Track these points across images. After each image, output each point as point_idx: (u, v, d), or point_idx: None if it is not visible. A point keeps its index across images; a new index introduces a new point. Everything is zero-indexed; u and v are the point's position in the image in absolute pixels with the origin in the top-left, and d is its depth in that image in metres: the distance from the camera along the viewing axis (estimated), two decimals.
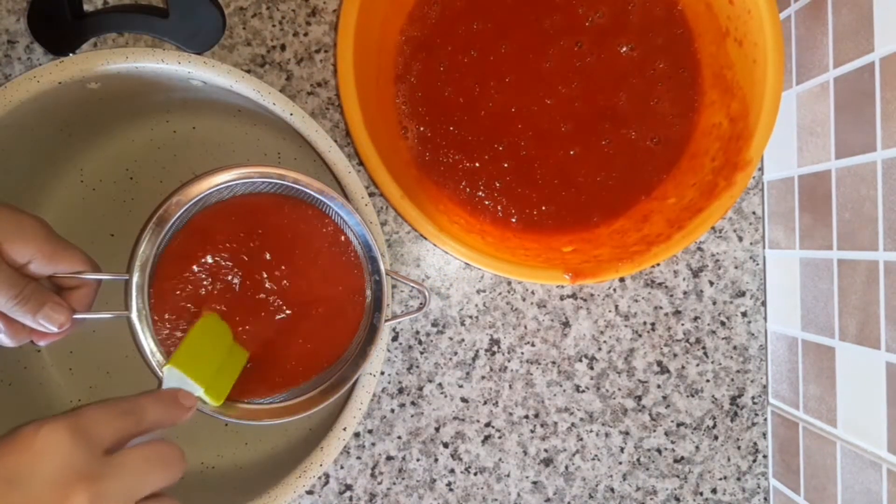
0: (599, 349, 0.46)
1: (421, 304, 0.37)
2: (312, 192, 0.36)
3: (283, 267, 0.37)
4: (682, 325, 0.46)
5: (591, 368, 0.46)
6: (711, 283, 0.46)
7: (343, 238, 0.37)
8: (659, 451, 0.47)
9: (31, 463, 0.24)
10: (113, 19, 0.42)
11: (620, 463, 0.47)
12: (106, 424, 0.27)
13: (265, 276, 0.37)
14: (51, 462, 0.24)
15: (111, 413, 0.27)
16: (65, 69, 0.35)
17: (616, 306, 0.46)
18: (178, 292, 0.37)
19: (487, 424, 0.46)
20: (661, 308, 0.46)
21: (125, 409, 0.28)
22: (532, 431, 0.46)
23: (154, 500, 0.27)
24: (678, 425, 0.47)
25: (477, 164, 0.42)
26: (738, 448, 0.47)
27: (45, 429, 0.25)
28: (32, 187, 0.42)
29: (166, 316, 0.37)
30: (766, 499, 0.47)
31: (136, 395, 0.30)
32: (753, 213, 0.46)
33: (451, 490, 0.46)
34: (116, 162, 0.43)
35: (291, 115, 0.36)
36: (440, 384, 0.46)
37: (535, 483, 0.47)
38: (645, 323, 0.46)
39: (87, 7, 0.42)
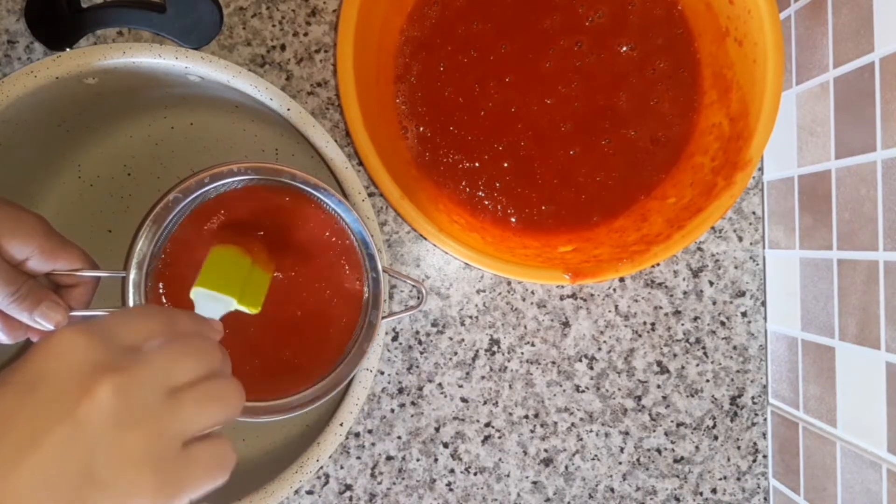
0: (599, 349, 0.46)
1: (419, 301, 0.37)
2: (310, 189, 0.36)
3: (281, 264, 0.37)
4: (682, 325, 0.46)
5: (591, 368, 0.46)
6: (711, 283, 0.46)
7: (341, 235, 0.37)
8: (659, 451, 0.47)
9: (48, 364, 0.22)
10: (110, 14, 0.41)
11: (620, 463, 0.46)
12: (128, 324, 0.25)
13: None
14: (69, 359, 0.22)
15: (135, 314, 0.25)
16: (62, 64, 0.35)
17: (616, 306, 0.46)
18: (175, 290, 0.37)
19: (487, 424, 0.46)
20: (661, 308, 0.46)
21: (152, 311, 0.26)
22: (532, 431, 0.46)
23: (205, 439, 0.24)
24: (678, 425, 0.47)
25: (477, 164, 0.42)
26: (738, 448, 0.47)
27: (59, 332, 0.23)
28: (30, 183, 0.41)
29: None
30: (765, 499, 0.47)
31: (166, 307, 0.27)
32: (753, 213, 0.46)
33: (451, 490, 0.46)
34: (114, 158, 0.43)
35: (289, 110, 0.36)
36: (440, 384, 0.46)
37: (535, 483, 0.46)
38: (645, 323, 0.46)
39: (84, 2, 0.42)
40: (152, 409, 0.23)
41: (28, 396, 0.22)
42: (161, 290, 0.37)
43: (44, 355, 0.23)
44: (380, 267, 0.36)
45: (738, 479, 0.47)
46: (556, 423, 0.46)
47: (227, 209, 0.37)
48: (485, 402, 0.46)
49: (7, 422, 0.21)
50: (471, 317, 0.46)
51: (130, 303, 0.35)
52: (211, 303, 0.31)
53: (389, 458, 0.46)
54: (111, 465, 0.22)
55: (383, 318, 0.36)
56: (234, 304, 0.32)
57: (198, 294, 0.31)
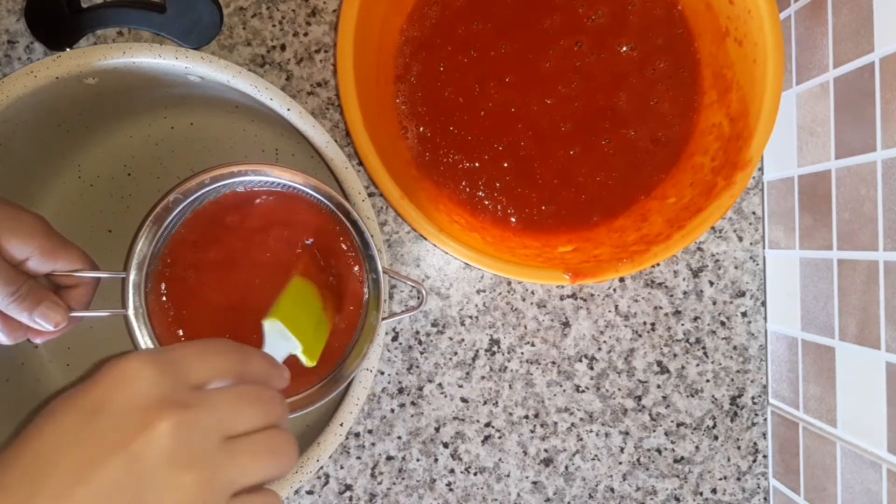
0: (599, 349, 0.46)
1: (419, 302, 0.37)
2: (309, 190, 0.36)
3: (280, 265, 0.37)
4: (682, 325, 0.46)
5: (591, 368, 0.46)
6: (711, 283, 0.46)
7: (341, 236, 0.37)
8: (659, 451, 0.47)
9: (112, 393, 0.22)
10: (110, 14, 0.41)
11: (620, 463, 0.46)
12: (199, 360, 0.24)
13: (262, 274, 0.37)
14: (132, 390, 0.22)
15: (207, 350, 0.25)
16: (62, 64, 0.35)
17: (616, 306, 0.46)
18: (175, 290, 0.37)
19: (487, 424, 0.46)
20: (661, 308, 0.46)
21: (227, 349, 0.25)
22: (532, 431, 0.46)
23: (254, 492, 0.24)
24: (678, 425, 0.47)
25: (477, 164, 0.42)
26: (738, 448, 0.47)
27: (127, 359, 0.23)
28: (30, 183, 0.41)
29: (164, 314, 0.37)
30: (765, 499, 0.47)
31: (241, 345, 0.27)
32: (753, 213, 0.46)
33: (451, 490, 0.46)
34: (114, 158, 0.43)
35: (289, 110, 0.36)
36: (440, 384, 0.46)
37: (535, 483, 0.46)
38: (645, 323, 0.46)
39: (84, 2, 0.42)
40: (208, 454, 0.23)
41: (87, 424, 0.22)
42: (161, 292, 0.37)
43: (109, 382, 0.23)
44: (380, 268, 0.36)
45: (738, 479, 0.47)
46: (556, 423, 0.46)
47: (226, 210, 0.37)
48: (485, 402, 0.46)
49: (65, 448, 0.21)
50: (471, 317, 0.46)
51: (130, 304, 0.35)
52: (280, 340, 0.30)
53: (389, 458, 0.46)
54: (159, 502, 0.22)
55: (383, 319, 0.36)
56: (298, 350, 0.31)
57: (272, 327, 0.30)
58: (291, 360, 0.38)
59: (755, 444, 0.47)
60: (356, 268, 0.37)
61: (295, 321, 0.31)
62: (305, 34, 0.44)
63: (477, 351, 0.46)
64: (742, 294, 0.46)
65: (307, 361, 0.32)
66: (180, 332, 0.37)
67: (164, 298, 0.37)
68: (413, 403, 0.46)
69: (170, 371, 0.23)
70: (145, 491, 0.21)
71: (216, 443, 0.23)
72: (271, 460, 0.24)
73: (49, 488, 0.21)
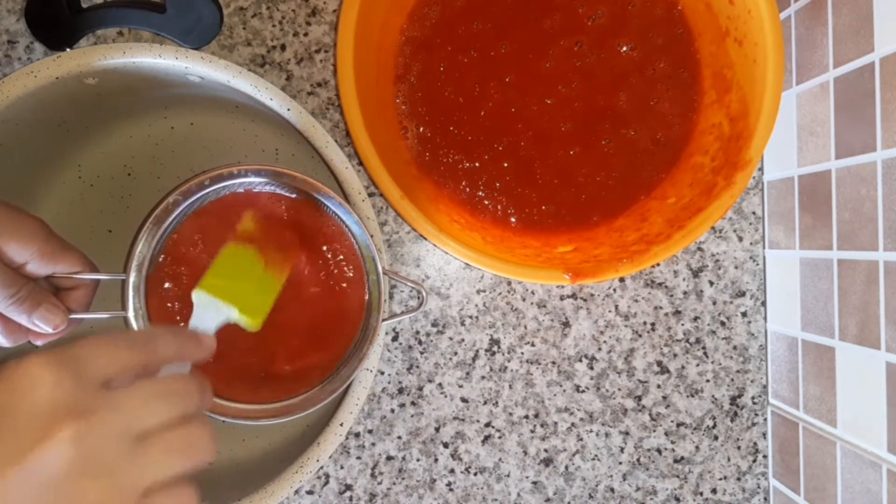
0: (599, 349, 0.46)
1: (420, 303, 0.37)
2: (309, 191, 0.36)
3: (280, 266, 0.37)
4: (682, 325, 0.46)
5: (591, 368, 0.46)
6: (711, 283, 0.46)
7: (341, 237, 0.37)
8: (659, 451, 0.47)
9: (11, 398, 0.21)
10: (110, 14, 0.41)
11: (620, 463, 0.47)
12: (103, 356, 0.23)
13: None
14: (31, 397, 0.21)
15: (111, 343, 0.24)
16: (62, 64, 0.35)
17: (616, 306, 0.46)
18: (175, 292, 0.37)
19: (487, 424, 0.46)
20: (661, 308, 0.46)
21: (130, 339, 0.24)
22: (532, 431, 0.46)
23: (168, 488, 0.23)
24: (678, 425, 0.47)
25: (477, 164, 0.42)
26: (738, 448, 0.47)
27: (26, 362, 0.22)
28: (30, 183, 0.41)
29: (164, 315, 0.37)
30: (766, 499, 0.47)
31: (147, 328, 0.26)
32: (753, 213, 0.46)
33: (451, 490, 0.46)
34: (114, 158, 0.43)
35: (289, 110, 0.36)
36: (440, 384, 0.46)
37: (535, 483, 0.46)
38: (645, 323, 0.46)
39: (84, 2, 0.42)
40: (113, 460, 0.22)
41: None
42: (161, 293, 0.37)
43: (8, 389, 0.22)
44: (380, 269, 0.36)
45: (738, 479, 0.47)
46: (556, 423, 0.46)
47: (226, 211, 0.37)
48: (485, 402, 0.46)
49: None
50: (471, 317, 0.46)
51: (130, 305, 0.35)
52: (210, 311, 0.30)
53: (389, 458, 0.46)
54: None
55: (384, 320, 0.36)
56: (234, 316, 0.30)
57: (199, 297, 0.30)
58: (290, 356, 0.37)
59: (755, 444, 0.47)
60: (356, 268, 0.37)
61: (224, 288, 0.30)
62: (305, 34, 0.44)
63: (477, 351, 0.46)
64: (742, 294, 0.46)
65: (249, 323, 0.31)
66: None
67: (164, 300, 0.37)
68: (413, 403, 0.46)
69: (72, 371, 0.22)
70: (48, 501, 0.21)
71: (123, 446, 0.22)
72: (184, 456, 0.23)
73: None
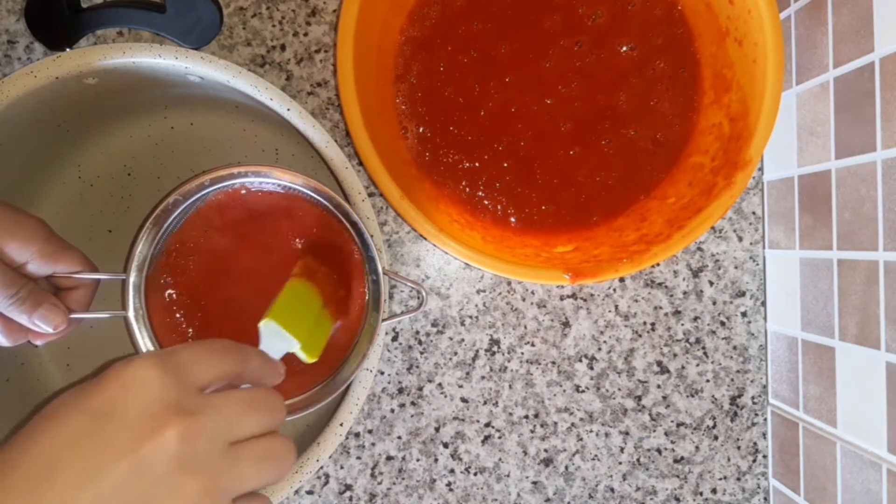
0: (599, 349, 0.46)
1: (420, 303, 0.37)
2: (309, 192, 0.36)
3: (280, 267, 0.37)
4: (682, 325, 0.46)
5: (591, 368, 0.46)
6: (711, 283, 0.46)
7: (341, 237, 0.37)
8: (659, 451, 0.47)
9: (121, 397, 0.23)
10: (110, 14, 0.41)
11: (620, 463, 0.47)
12: (202, 363, 0.25)
13: (263, 276, 0.37)
14: (141, 396, 0.23)
15: (209, 352, 0.25)
16: (62, 64, 0.35)
17: (616, 306, 0.46)
18: (175, 292, 0.37)
19: (487, 424, 0.46)
20: (660, 308, 0.46)
21: (227, 350, 0.26)
22: (532, 431, 0.46)
23: (250, 498, 0.24)
24: (678, 425, 0.47)
25: (477, 164, 0.42)
26: (738, 448, 0.47)
27: (135, 364, 0.23)
28: (30, 183, 0.41)
29: (164, 315, 0.37)
30: (765, 499, 0.47)
31: (237, 344, 0.27)
32: (753, 213, 0.46)
33: (451, 490, 0.46)
34: (114, 158, 0.43)
35: (289, 110, 0.36)
36: (440, 384, 0.46)
37: (535, 483, 0.46)
38: (645, 323, 0.46)
39: (84, 2, 0.42)
40: (212, 461, 0.23)
41: (96, 427, 0.22)
42: (162, 293, 0.37)
43: (118, 386, 0.23)
44: (380, 269, 0.36)
45: (738, 479, 0.47)
46: (556, 423, 0.46)
47: (226, 211, 0.37)
48: (485, 402, 0.46)
49: (73, 450, 0.22)
50: (471, 317, 0.46)
51: (130, 305, 0.35)
52: (276, 339, 0.31)
53: (389, 458, 0.46)
54: None
55: (383, 320, 0.36)
56: (296, 348, 0.31)
57: (268, 328, 0.31)
58: (289, 358, 0.38)
59: (755, 444, 0.47)
60: (356, 268, 0.37)
61: (291, 321, 0.31)
62: (305, 34, 0.44)
63: (477, 351, 0.46)
64: (742, 294, 0.46)
65: (307, 358, 0.32)
66: (180, 334, 0.37)
67: (165, 300, 0.37)
68: (413, 403, 0.46)
69: (176, 375, 0.24)
70: (151, 496, 0.22)
71: (220, 449, 0.23)
72: (271, 466, 0.25)
73: (56, 490, 0.21)
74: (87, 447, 0.22)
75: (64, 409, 0.23)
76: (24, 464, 0.21)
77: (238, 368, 0.26)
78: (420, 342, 0.46)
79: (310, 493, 0.46)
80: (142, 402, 0.23)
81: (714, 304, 0.46)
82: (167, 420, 0.22)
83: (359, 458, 0.46)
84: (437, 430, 0.46)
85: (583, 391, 0.46)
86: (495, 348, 0.46)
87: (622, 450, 0.47)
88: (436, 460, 0.46)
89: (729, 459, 0.47)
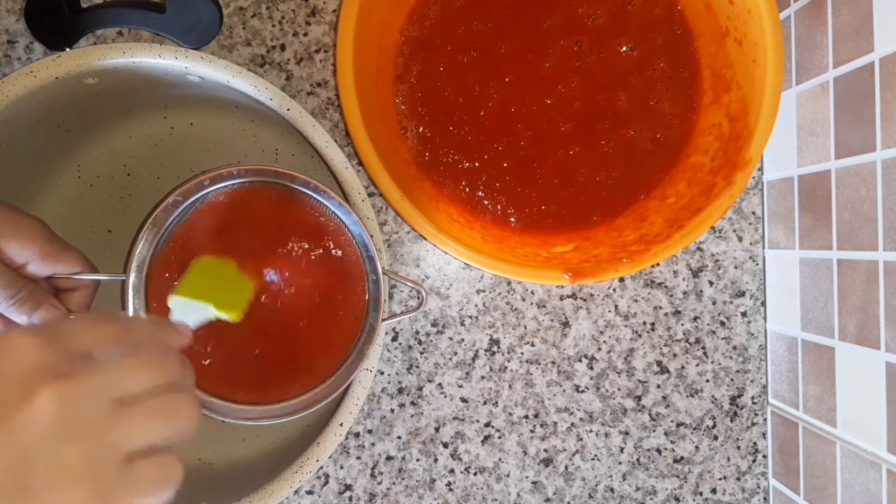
0: (599, 349, 0.46)
1: (420, 303, 0.37)
2: (309, 192, 0.36)
3: (280, 267, 0.37)
4: (682, 325, 0.46)
5: (591, 368, 0.46)
6: (711, 283, 0.46)
7: (341, 237, 0.37)
8: (659, 451, 0.47)
9: None
10: (110, 14, 0.41)
11: (620, 463, 0.47)
12: (85, 329, 0.24)
13: (263, 276, 0.37)
14: (14, 362, 0.22)
15: (93, 319, 0.24)
16: (62, 64, 0.35)
17: (616, 306, 0.46)
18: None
19: (487, 424, 0.46)
20: (660, 308, 0.46)
21: (112, 317, 0.25)
22: (532, 431, 0.46)
23: (151, 454, 0.23)
24: (678, 425, 0.47)
25: (477, 164, 0.42)
26: (738, 448, 0.47)
27: (10, 333, 0.22)
28: (30, 183, 0.41)
29: (163, 316, 0.37)
30: (765, 499, 0.47)
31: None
32: (753, 213, 0.46)
33: (450, 490, 0.46)
34: (114, 158, 0.43)
35: (288, 110, 0.36)
36: (440, 384, 0.46)
37: (534, 483, 0.47)
38: (645, 323, 0.46)
39: (84, 2, 0.42)
40: (94, 422, 0.22)
41: None
42: (161, 293, 0.37)
43: None
44: (380, 270, 0.36)
45: (738, 479, 0.47)
46: (555, 423, 0.46)
47: (226, 212, 0.37)
48: (485, 402, 0.46)
49: None
50: (471, 317, 0.46)
51: (130, 306, 0.35)
52: (188, 311, 0.31)
53: (389, 458, 0.46)
54: (45, 476, 0.21)
55: (383, 320, 0.36)
56: (211, 311, 0.31)
57: (173, 302, 0.31)
58: (292, 360, 0.38)
59: (755, 444, 0.47)
60: (356, 268, 0.37)
61: (196, 290, 0.31)
62: (305, 34, 0.44)
63: (477, 351, 0.46)
64: (742, 294, 0.46)
65: (228, 317, 0.32)
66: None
67: (164, 300, 0.37)
68: (413, 403, 0.46)
69: (53, 341, 0.23)
70: (29, 463, 0.21)
71: (104, 409, 0.22)
72: (166, 419, 0.23)
73: None
74: None
75: None
76: None
77: (122, 333, 0.25)
78: (420, 342, 0.46)
79: (310, 493, 0.46)
80: (14, 368, 0.22)
81: (714, 304, 0.46)
82: (41, 384, 0.21)
83: (359, 458, 0.46)
84: (436, 430, 0.46)
85: (583, 391, 0.46)
86: (495, 348, 0.46)
87: (622, 450, 0.47)
88: (436, 460, 0.46)
89: (729, 459, 0.47)
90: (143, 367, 0.24)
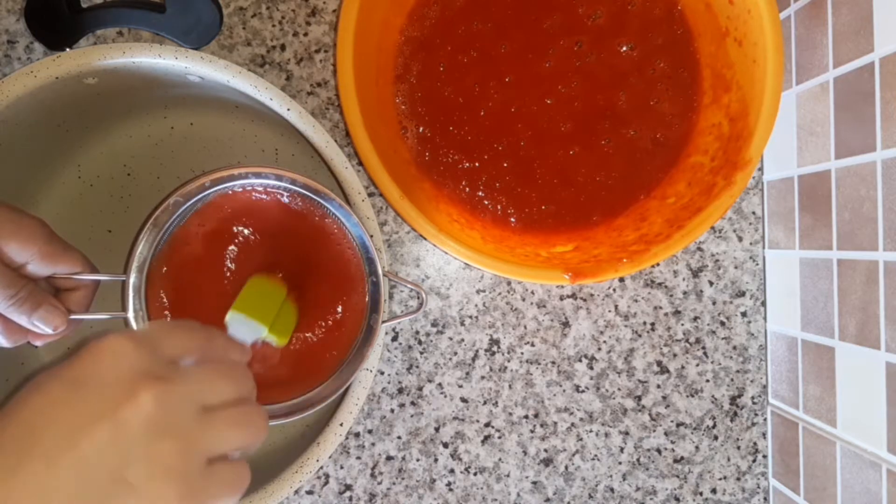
0: (599, 349, 0.46)
1: (419, 304, 0.37)
2: (309, 193, 0.36)
3: (280, 268, 0.37)
4: (682, 325, 0.46)
5: (591, 368, 0.46)
6: (711, 283, 0.46)
7: (341, 239, 0.37)
8: (659, 451, 0.47)
9: (97, 366, 0.24)
10: (110, 14, 0.41)
11: (620, 463, 0.47)
12: (172, 337, 0.26)
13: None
14: (115, 363, 0.24)
15: (178, 328, 0.27)
16: (62, 64, 0.35)
17: (616, 306, 0.46)
18: (175, 293, 0.37)
19: (487, 424, 0.46)
20: (660, 308, 0.46)
21: (195, 327, 0.27)
22: (532, 431, 0.46)
23: (227, 460, 0.25)
24: (678, 425, 0.47)
25: (477, 164, 0.42)
26: (738, 448, 0.47)
27: (109, 337, 0.24)
28: (30, 183, 0.41)
29: (164, 316, 0.37)
30: (765, 499, 0.47)
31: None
32: (753, 213, 0.46)
33: (450, 490, 0.46)
34: (114, 158, 0.43)
35: (289, 110, 0.36)
36: (440, 384, 0.46)
37: (534, 483, 0.47)
38: (645, 323, 0.46)
39: (84, 2, 0.42)
40: (187, 423, 0.24)
41: (74, 393, 0.23)
42: (161, 295, 0.37)
43: (94, 356, 0.24)
44: (380, 271, 0.36)
45: (738, 479, 0.47)
46: (556, 423, 0.46)
47: (226, 213, 0.37)
48: (485, 402, 0.46)
49: (52, 414, 0.22)
50: (471, 317, 0.46)
51: (130, 306, 0.35)
52: (243, 328, 0.32)
53: (389, 458, 0.46)
54: (143, 470, 0.23)
55: (383, 322, 0.36)
56: (264, 332, 0.32)
57: (233, 318, 0.32)
58: (293, 361, 0.38)
59: (755, 444, 0.47)
60: (357, 269, 0.37)
61: (255, 310, 0.33)
62: (305, 34, 0.44)
63: (477, 351, 0.46)
64: (742, 294, 0.46)
65: (276, 341, 0.34)
66: None
67: (164, 301, 0.37)
68: (413, 403, 0.46)
69: (147, 347, 0.25)
70: (129, 456, 0.22)
71: (194, 413, 0.24)
72: (244, 429, 0.26)
73: (37, 453, 0.22)
74: (65, 413, 0.22)
75: (45, 380, 0.23)
76: (7, 431, 0.22)
77: (204, 344, 0.27)
78: (420, 342, 0.46)
79: (310, 492, 0.46)
80: (117, 370, 0.24)
81: (714, 304, 0.46)
82: (142, 385, 0.23)
83: (359, 458, 0.46)
84: (436, 430, 0.46)
85: (583, 391, 0.46)
86: (495, 348, 0.46)
87: (622, 450, 0.47)
88: (436, 460, 0.46)
89: (729, 459, 0.47)
90: (226, 378, 0.26)
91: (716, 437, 0.47)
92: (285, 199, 0.37)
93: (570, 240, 0.42)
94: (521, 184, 0.42)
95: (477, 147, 0.42)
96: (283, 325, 0.35)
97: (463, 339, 0.46)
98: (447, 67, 0.42)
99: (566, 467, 0.46)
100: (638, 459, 0.47)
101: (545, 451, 0.46)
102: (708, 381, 0.47)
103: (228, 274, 0.37)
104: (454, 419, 0.46)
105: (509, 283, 0.46)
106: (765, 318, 0.46)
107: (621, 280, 0.46)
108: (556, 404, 0.46)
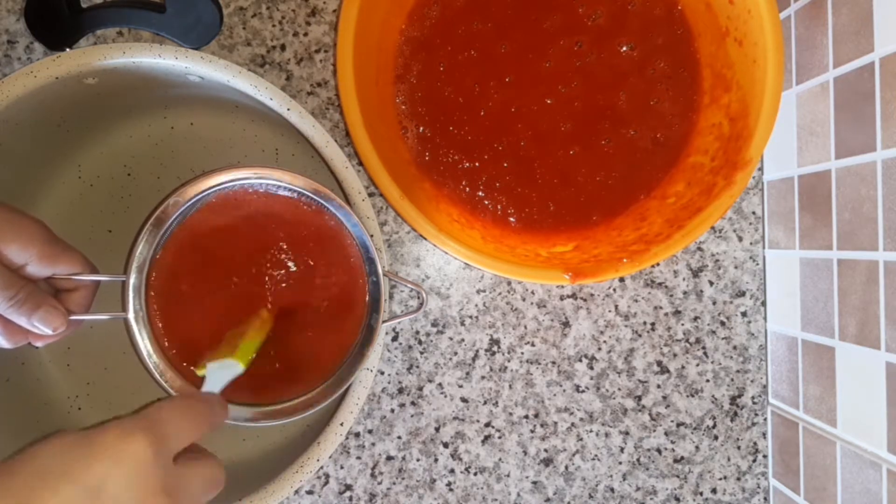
0: (599, 349, 0.46)
1: (420, 304, 0.37)
2: (309, 193, 0.36)
3: (280, 269, 0.37)
4: (682, 325, 0.46)
5: (591, 368, 0.46)
6: (711, 283, 0.46)
7: (341, 239, 0.37)
8: (659, 451, 0.47)
9: (113, 472, 0.25)
10: (110, 14, 0.41)
11: (620, 463, 0.47)
12: (182, 432, 0.28)
13: (264, 277, 0.37)
14: (131, 473, 0.25)
15: (186, 418, 0.28)
16: (62, 64, 0.35)
17: (616, 306, 0.46)
18: (175, 293, 0.37)
19: (487, 424, 0.46)
20: (660, 308, 0.46)
21: (199, 414, 0.29)
22: (532, 431, 0.46)
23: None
24: (678, 425, 0.47)
25: (477, 164, 0.42)
26: (738, 448, 0.47)
27: (125, 435, 0.26)
28: (30, 184, 0.41)
29: (164, 317, 0.37)
30: (765, 499, 0.47)
31: (201, 395, 0.31)
32: (753, 213, 0.46)
33: (451, 490, 0.46)
34: (114, 158, 0.43)
35: (289, 110, 0.36)
36: (440, 384, 0.46)
37: (535, 483, 0.47)
38: (645, 323, 0.46)
39: (84, 2, 0.42)
40: None
41: (89, 501, 0.24)
42: (161, 295, 0.37)
43: (111, 459, 0.25)
44: (380, 271, 0.36)
45: (738, 479, 0.47)
46: (556, 423, 0.46)
47: (226, 213, 0.37)
48: (485, 402, 0.46)
49: None
50: (471, 317, 0.46)
51: (130, 307, 0.35)
52: (221, 372, 0.33)
53: (389, 458, 0.46)
54: None
55: (384, 322, 0.36)
56: (239, 370, 0.33)
57: (222, 364, 0.32)
58: (293, 361, 0.38)
59: (755, 444, 0.47)
60: (357, 269, 0.37)
61: (246, 353, 0.33)
62: (305, 34, 0.44)
63: (477, 351, 0.46)
64: (742, 294, 0.46)
65: (241, 370, 0.34)
66: (180, 336, 0.37)
67: (164, 301, 0.37)
68: (413, 403, 0.46)
69: (161, 450, 0.26)
70: None
71: None
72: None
73: None
74: None
75: (59, 478, 0.24)
76: None
77: (204, 432, 0.29)
78: (420, 342, 0.46)
79: (310, 492, 0.46)
80: (132, 481, 0.25)
81: (714, 303, 0.46)
82: (156, 500, 0.25)
83: (359, 458, 0.46)
84: (437, 430, 0.46)
85: (583, 391, 0.46)
86: (495, 348, 0.46)
87: (622, 450, 0.47)
88: (436, 460, 0.46)
89: (729, 459, 0.47)
90: (218, 482, 0.29)
91: (716, 437, 0.47)
92: (284, 199, 0.37)
93: (570, 239, 0.42)
94: (521, 184, 0.42)
95: (477, 147, 0.42)
96: (251, 353, 0.35)
97: (463, 339, 0.46)
98: (447, 67, 0.42)
99: (566, 467, 0.46)
100: (638, 459, 0.47)
101: (545, 451, 0.46)
102: (708, 381, 0.47)
103: (228, 274, 0.37)
104: (454, 419, 0.46)
105: (509, 283, 0.46)
106: (765, 318, 0.46)
107: (621, 280, 0.46)
108: (556, 404, 0.46)
